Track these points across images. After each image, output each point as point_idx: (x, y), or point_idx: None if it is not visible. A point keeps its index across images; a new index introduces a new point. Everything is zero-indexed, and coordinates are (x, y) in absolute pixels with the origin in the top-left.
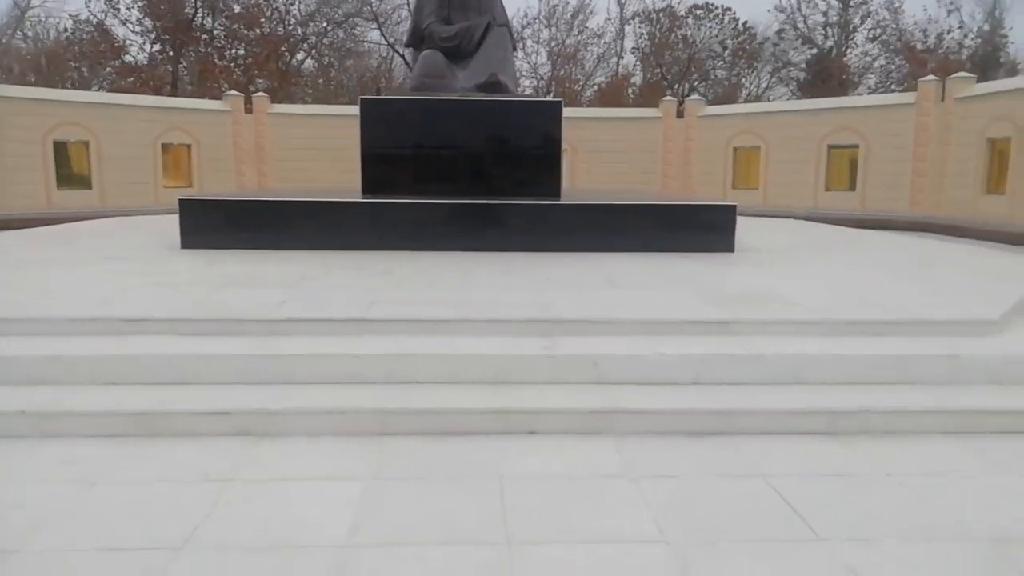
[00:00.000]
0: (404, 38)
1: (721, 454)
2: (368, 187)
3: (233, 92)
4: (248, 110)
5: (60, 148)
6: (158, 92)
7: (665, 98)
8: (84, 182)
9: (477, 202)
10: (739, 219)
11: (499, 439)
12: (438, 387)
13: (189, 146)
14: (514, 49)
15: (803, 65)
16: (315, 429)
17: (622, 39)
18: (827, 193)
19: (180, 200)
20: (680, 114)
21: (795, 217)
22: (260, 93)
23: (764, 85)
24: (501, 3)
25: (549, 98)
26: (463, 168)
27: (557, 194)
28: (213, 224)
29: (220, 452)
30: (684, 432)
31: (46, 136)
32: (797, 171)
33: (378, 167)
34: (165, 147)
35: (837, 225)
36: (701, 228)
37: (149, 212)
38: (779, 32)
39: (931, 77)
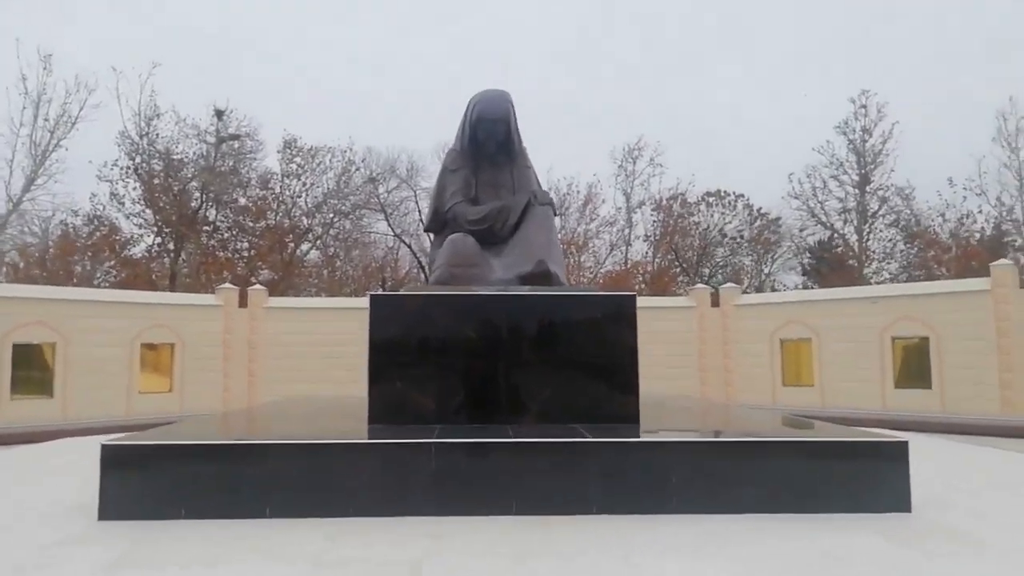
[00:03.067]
0: (424, 222)
1: None
2: (377, 413)
3: (228, 285)
4: (243, 304)
5: (20, 351)
6: (154, 286)
7: (697, 286)
8: (44, 388)
9: (533, 441)
10: None
11: None
12: None
13: (173, 345)
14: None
15: (809, 251)
16: None
17: (631, 227)
18: (898, 392)
19: (102, 446)
20: (715, 302)
21: (860, 420)
22: (257, 286)
23: (766, 271)
24: (538, 180)
25: (620, 291)
26: (507, 385)
27: (633, 418)
28: (148, 482)
29: None
30: None
31: (4, 338)
32: (858, 366)
33: (391, 386)
34: (145, 347)
35: (920, 432)
36: (857, 475)
37: (116, 426)
38: (800, 222)
39: (1004, 261)
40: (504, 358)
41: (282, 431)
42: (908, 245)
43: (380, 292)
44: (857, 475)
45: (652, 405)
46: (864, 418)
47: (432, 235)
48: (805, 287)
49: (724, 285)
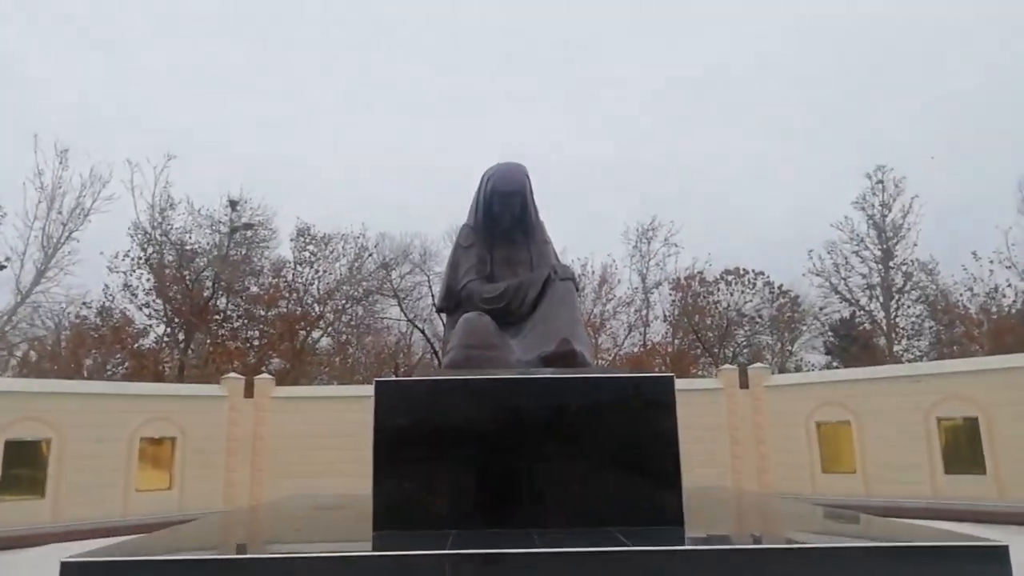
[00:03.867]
0: (436, 301)
1: None
2: (383, 517)
3: (233, 375)
4: (249, 394)
5: (13, 448)
6: (161, 378)
7: (724, 366)
8: (36, 488)
9: (565, 551)
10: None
11: None
12: None
13: (174, 439)
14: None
15: (832, 330)
16: None
17: (648, 307)
18: (948, 477)
19: (61, 564)
20: (743, 383)
21: (909, 509)
22: (264, 375)
23: (789, 350)
24: (557, 255)
25: (658, 372)
26: (530, 484)
27: (677, 519)
28: None
29: None
30: None
31: None
32: (903, 450)
33: (399, 485)
34: (145, 441)
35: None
36: None
37: (110, 527)
38: (822, 299)
39: None
40: (526, 451)
41: (274, 538)
42: (936, 322)
43: (389, 378)
44: None
45: (687, 499)
46: (914, 507)
47: (445, 315)
48: (829, 367)
49: (753, 365)
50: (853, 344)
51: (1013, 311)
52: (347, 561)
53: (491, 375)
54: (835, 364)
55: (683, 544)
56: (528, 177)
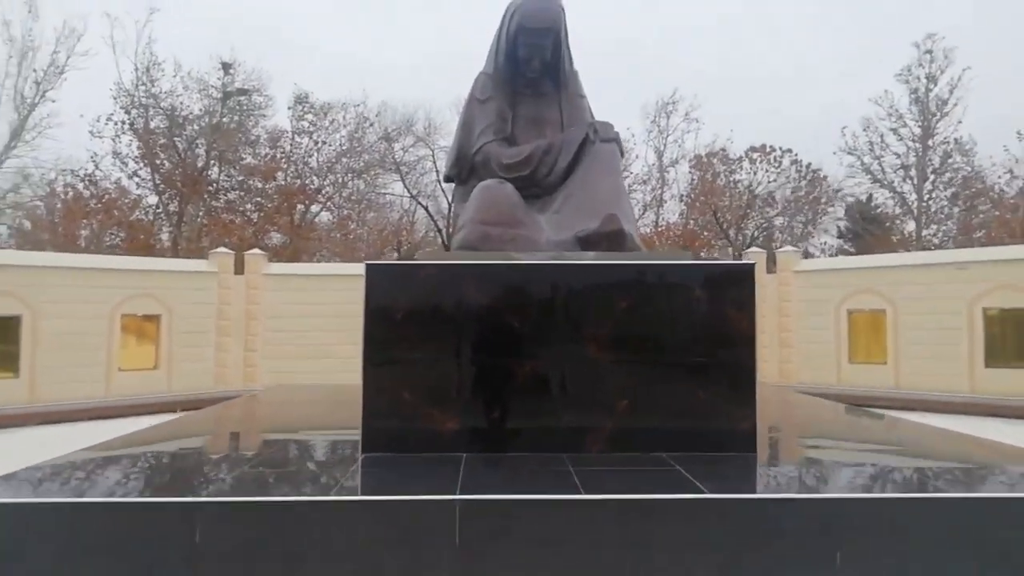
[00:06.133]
0: (444, 168)
1: None
2: (372, 438)
3: (222, 249)
4: (240, 271)
5: None
6: (153, 252)
7: (751, 248)
8: (9, 367)
9: (616, 499)
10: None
11: None
12: None
13: (159, 316)
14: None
15: (846, 212)
16: None
17: (664, 186)
18: (989, 371)
19: None
20: (770, 268)
21: (944, 404)
22: (255, 251)
23: (799, 233)
24: (592, 114)
25: (732, 260)
26: (564, 396)
27: (748, 443)
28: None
29: None
30: None
31: None
32: (942, 341)
33: (395, 396)
34: (127, 318)
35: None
36: None
37: (93, 408)
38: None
39: None
40: (559, 357)
41: (233, 461)
42: (964, 205)
43: (381, 261)
44: None
45: None
46: (949, 402)
47: (455, 185)
48: (841, 250)
49: (782, 249)
50: (871, 225)
51: None
52: (318, 508)
53: (517, 260)
54: (848, 248)
55: (776, 492)
56: (564, 11)
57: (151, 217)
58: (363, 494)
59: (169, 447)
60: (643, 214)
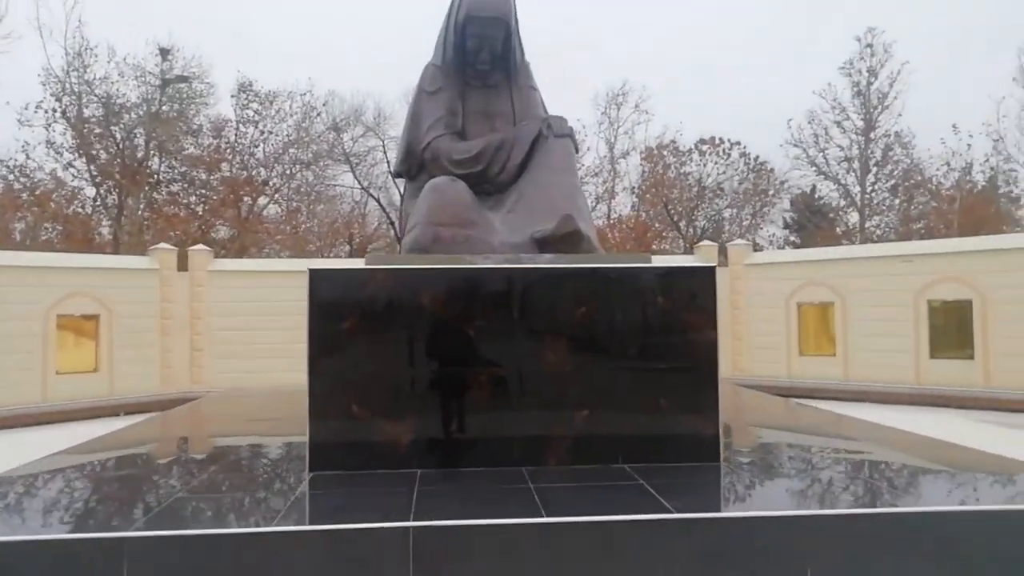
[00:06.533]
0: (393, 163)
1: None
2: (319, 456)
3: (164, 245)
4: (183, 267)
5: None
6: (92, 247)
7: (704, 242)
8: None
9: (575, 522)
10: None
11: None
12: None
13: (97, 316)
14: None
15: (791, 203)
16: None
17: (615, 178)
18: (933, 362)
19: None
20: (722, 262)
21: (890, 394)
22: (199, 247)
23: (747, 224)
24: (545, 106)
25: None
26: (522, 405)
27: (714, 454)
28: None
29: None
30: None
31: None
32: (888, 333)
33: (344, 409)
34: (63, 319)
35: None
36: None
37: (32, 415)
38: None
39: None
40: (518, 366)
41: (169, 486)
42: (904, 197)
43: (325, 267)
44: None
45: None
46: (896, 393)
47: (404, 181)
48: (787, 241)
49: (734, 242)
50: (815, 217)
51: (978, 189)
52: (258, 540)
53: (471, 264)
54: (793, 239)
55: (743, 510)
56: (514, 0)
57: (89, 211)
58: (310, 523)
59: (98, 468)
60: (595, 206)
